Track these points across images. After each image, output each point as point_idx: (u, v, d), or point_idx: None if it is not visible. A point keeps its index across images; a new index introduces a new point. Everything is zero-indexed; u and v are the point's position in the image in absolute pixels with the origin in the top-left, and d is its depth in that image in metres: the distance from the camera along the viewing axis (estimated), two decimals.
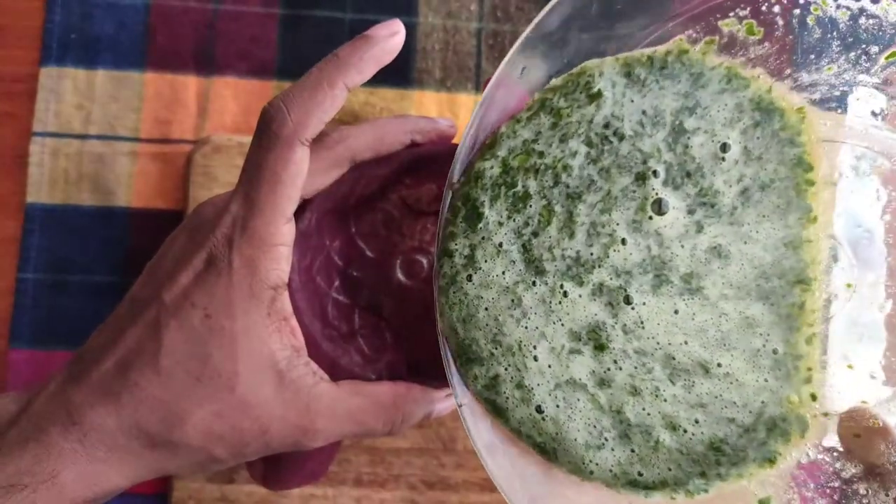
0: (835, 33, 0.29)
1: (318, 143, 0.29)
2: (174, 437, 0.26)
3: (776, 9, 0.29)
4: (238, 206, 0.26)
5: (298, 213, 0.31)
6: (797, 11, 0.29)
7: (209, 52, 0.43)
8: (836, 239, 0.32)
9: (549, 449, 0.28)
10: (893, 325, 0.32)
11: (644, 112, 0.28)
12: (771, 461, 0.28)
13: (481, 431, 0.28)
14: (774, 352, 0.28)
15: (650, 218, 0.28)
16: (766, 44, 0.29)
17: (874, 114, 0.31)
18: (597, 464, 0.28)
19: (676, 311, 0.28)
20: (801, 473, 0.29)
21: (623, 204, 0.28)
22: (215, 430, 0.26)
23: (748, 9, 0.29)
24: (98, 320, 0.29)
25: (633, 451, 0.28)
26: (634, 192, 0.28)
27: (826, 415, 0.30)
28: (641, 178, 0.28)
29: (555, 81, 0.29)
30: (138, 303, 0.27)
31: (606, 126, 0.28)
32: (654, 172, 0.28)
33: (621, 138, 0.28)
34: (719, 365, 0.28)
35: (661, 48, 0.29)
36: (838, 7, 0.29)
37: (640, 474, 0.28)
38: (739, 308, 0.28)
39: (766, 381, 0.28)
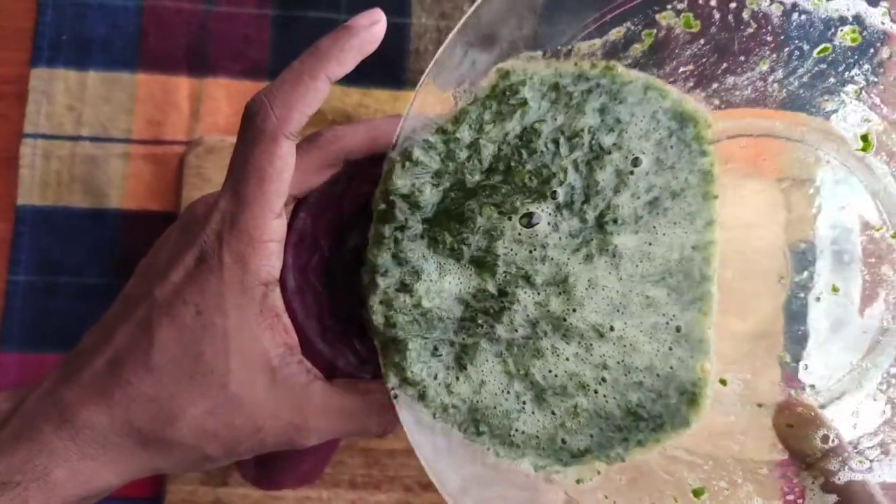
0: (768, 27, 0.30)
1: (312, 143, 0.29)
2: (167, 435, 0.26)
3: (713, 2, 0.29)
4: (227, 203, 0.26)
5: (292, 213, 0.31)
6: (733, 5, 0.29)
7: (202, 54, 0.43)
8: (813, 241, 0.33)
9: (476, 420, 0.28)
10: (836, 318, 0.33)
11: (562, 130, 0.28)
12: (686, 425, 0.29)
13: (414, 418, 0.28)
14: (678, 329, 0.29)
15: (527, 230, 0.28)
16: (701, 41, 0.30)
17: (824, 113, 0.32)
18: (522, 431, 0.28)
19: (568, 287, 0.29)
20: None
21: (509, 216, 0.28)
22: (208, 428, 0.26)
23: (686, 1, 0.29)
24: (89, 323, 0.29)
25: (553, 413, 0.28)
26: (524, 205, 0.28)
27: (723, 382, 0.31)
28: (540, 197, 0.28)
29: (483, 84, 0.29)
30: (130, 301, 0.27)
31: (521, 137, 0.28)
32: (553, 194, 0.28)
33: (532, 153, 0.28)
34: (612, 328, 0.28)
35: (587, 64, 0.29)
36: (772, 2, 0.29)
37: (563, 441, 0.28)
38: (640, 289, 0.29)
39: (669, 349, 0.29)
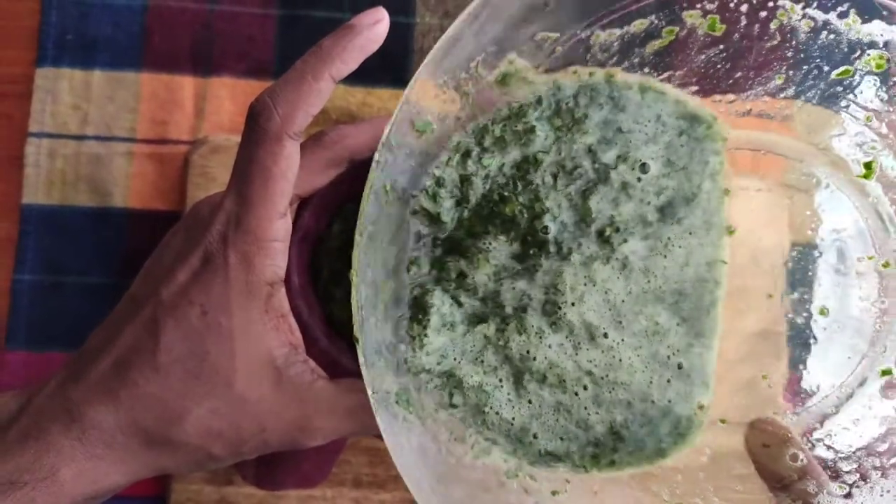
0: (792, 42, 0.29)
1: (316, 143, 0.29)
2: (172, 435, 0.26)
3: (744, 7, 0.28)
4: (231, 203, 0.26)
5: (297, 212, 0.31)
6: (763, 14, 0.28)
7: (206, 53, 0.43)
8: (819, 249, 0.33)
9: (451, 388, 0.27)
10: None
11: (562, 164, 0.27)
12: (663, 456, 0.28)
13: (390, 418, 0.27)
14: (679, 366, 0.28)
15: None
16: (720, 46, 0.29)
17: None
18: (496, 412, 0.27)
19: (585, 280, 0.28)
20: None
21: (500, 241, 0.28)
22: (213, 428, 0.26)
23: (716, 3, 0.28)
24: (94, 322, 0.29)
25: (530, 402, 0.27)
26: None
27: (723, 421, 0.30)
28: (532, 234, 0.27)
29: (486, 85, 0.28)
30: (136, 301, 0.27)
31: (518, 166, 0.28)
32: (545, 229, 0.27)
33: (527, 185, 0.27)
34: (605, 335, 0.27)
35: (586, 73, 0.28)
36: (804, 17, 0.28)
37: (535, 436, 0.28)
38: (650, 311, 0.28)
39: (668, 382, 0.28)
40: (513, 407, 0.28)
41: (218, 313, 0.26)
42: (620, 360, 0.27)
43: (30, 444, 0.25)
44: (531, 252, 0.28)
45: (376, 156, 0.25)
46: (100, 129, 0.42)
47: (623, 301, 0.28)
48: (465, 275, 0.28)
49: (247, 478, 0.34)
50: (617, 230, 0.28)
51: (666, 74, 0.29)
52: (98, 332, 0.28)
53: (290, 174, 0.26)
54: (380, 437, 0.31)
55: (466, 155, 0.27)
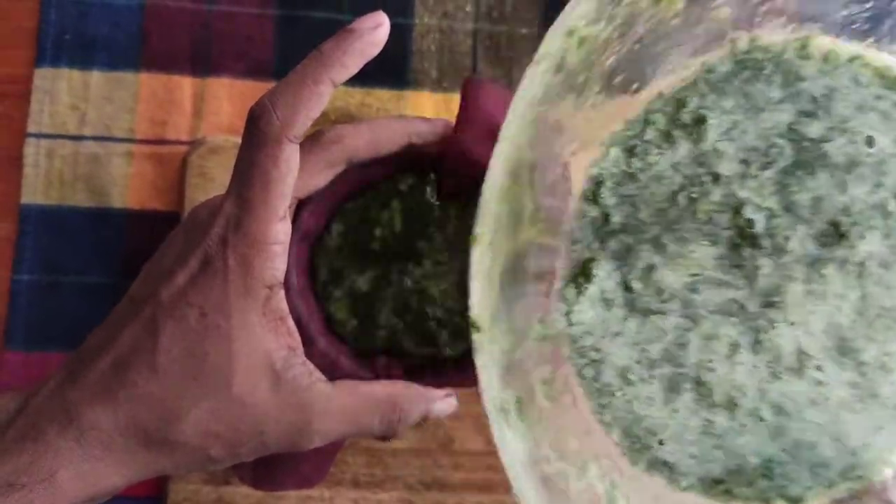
0: None
1: (315, 143, 0.29)
2: (171, 436, 0.26)
3: None
4: (231, 206, 0.27)
5: (295, 213, 0.31)
6: None
7: (205, 53, 0.43)
8: None
9: (590, 358, 0.24)
10: None
11: (752, 146, 0.23)
12: (791, 500, 0.23)
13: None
14: None
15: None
16: None
17: None
18: (629, 401, 0.23)
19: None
20: None
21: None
22: (212, 429, 0.26)
23: None
24: (93, 322, 0.29)
25: (675, 411, 0.23)
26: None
27: None
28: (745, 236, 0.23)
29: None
30: (136, 302, 0.28)
31: (699, 163, 0.23)
32: (750, 223, 0.23)
33: (715, 178, 0.23)
34: (818, 368, 0.22)
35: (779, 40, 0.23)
36: None
37: (661, 442, 0.24)
38: (881, 339, 0.22)
39: (881, 428, 0.22)
40: (651, 406, 0.24)
41: (217, 315, 0.26)
42: (828, 400, 0.22)
43: (27, 445, 0.25)
44: (742, 254, 0.23)
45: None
46: (98, 130, 0.43)
47: (854, 323, 0.22)
48: (655, 268, 0.24)
49: (244, 478, 0.34)
50: (854, 223, 0.22)
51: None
52: (96, 333, 0.28)
53: (290, 177, 0.27)
54: (378, 438, 0.31)
55: (630, 152, 0.24)
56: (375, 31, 0.27)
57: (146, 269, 0.29)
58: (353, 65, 0.27)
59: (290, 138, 0.26)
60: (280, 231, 0.27)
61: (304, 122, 0.26)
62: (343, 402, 0.28)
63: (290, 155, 0.26)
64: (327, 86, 0.27)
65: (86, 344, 0.28)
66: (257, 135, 0.26)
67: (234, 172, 0.27)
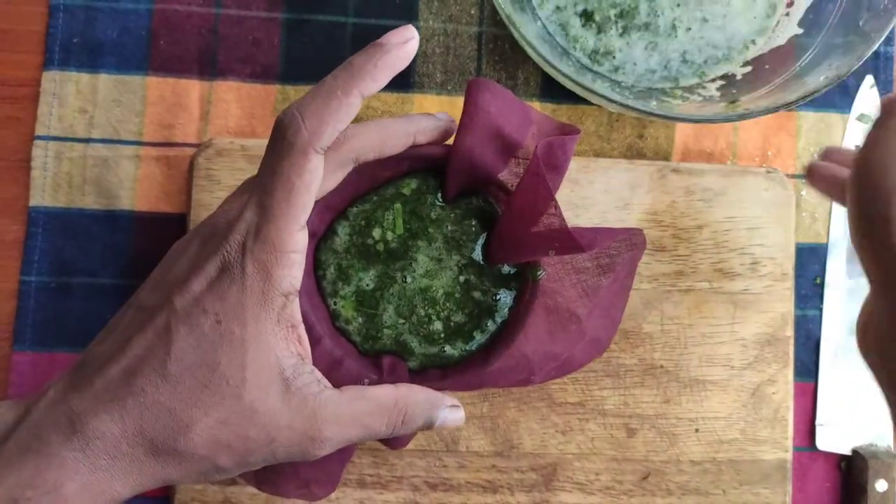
0: None
1: None
2: (179, 445, 0.26)
3: None
4: (252, 214, 0.26)
5: None
6: None
7: (212, 56, 0.44)
8: None
9: None
10: None
11: None
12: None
13: None
14: None
15: None
16: None
17: None
18: None
19: None
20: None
21: None
22: (221, 438, 0.26)
23: None
24: (101, 323, 0.29)
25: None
26: None
27: None
28: None
29: None
30: (145, 310, 0.27)
31: None
32: None
33: None
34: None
35: None
36: None
37: None
38: None
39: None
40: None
41: (232, 322, 0.26)
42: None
43: (30, 457, 0.25)
44: None
45: None
46: (106, 133, 0.43)
47: None
48: None
49: (247, 478, 0.34)
50: None
51: None
52: (100, 342, 0.28)
53: (313, 188, 0.26)
54: (384, 442, 0.31)
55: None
56: (405, 45, 0.27)
57: (153, 278, 0.29)
58: (383, 78, 0.27)
59: (316, 149, 0.26)
60: (300, 240, 0.27)
61: (331, 133, 0.26)
62: (351, 408, 0.28)
63: (316, 166, 0.26)
64: (356, 98, 0.26)
65: (88, 353, 0.28)
66: (284, 144, 0.26)
67: (256, 180, 0.27)
